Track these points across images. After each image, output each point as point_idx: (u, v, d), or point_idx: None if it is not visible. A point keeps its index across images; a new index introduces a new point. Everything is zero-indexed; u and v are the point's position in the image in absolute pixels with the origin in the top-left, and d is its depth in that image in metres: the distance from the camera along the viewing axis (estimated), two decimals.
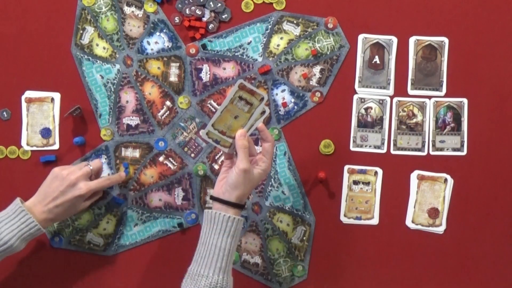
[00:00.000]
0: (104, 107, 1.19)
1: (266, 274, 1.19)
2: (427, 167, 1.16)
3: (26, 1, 1.19)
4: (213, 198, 1.02)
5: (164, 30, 1.18)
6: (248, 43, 1.17)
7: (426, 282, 1.17)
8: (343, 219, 1.17)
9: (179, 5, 1.17)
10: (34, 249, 1.20)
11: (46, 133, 1.19)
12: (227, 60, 1.17)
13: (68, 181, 1.06)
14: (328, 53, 1.16)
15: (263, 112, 1.03)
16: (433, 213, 1.16)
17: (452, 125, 1.16)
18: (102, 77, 1.19)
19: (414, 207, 1.16)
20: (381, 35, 1.15)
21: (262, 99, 1.01)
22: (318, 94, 1.16)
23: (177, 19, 1.17)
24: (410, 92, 1.16)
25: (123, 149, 1.19)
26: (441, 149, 1.16)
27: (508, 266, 1.16)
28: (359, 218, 1.17)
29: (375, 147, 1.16)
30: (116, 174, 1.16)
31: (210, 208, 1.02)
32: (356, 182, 1.17)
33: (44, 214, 1.06)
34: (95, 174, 1.13)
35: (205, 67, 1.18)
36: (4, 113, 1.20)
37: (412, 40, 1.15)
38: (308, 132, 1.17)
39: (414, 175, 1.16)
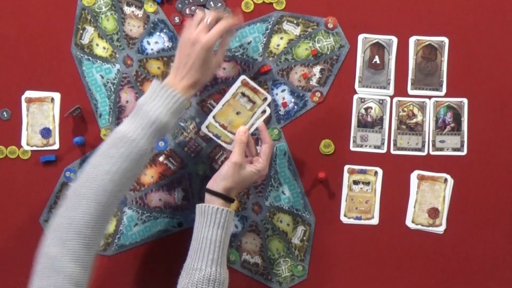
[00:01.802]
0: (104, 107, 1.19)
1: (266, 274, 1.19)
2: (427, 167, 1.16)
3: (26, 1, 1.19)
4: (205, 189, 1.04)
5: (164, 30, 1.18)
6: (248, 43, 1.17)
7: (426, 282, 1.17)
8: (343, 219, 1.17)
9: (179, 5, 1.17)
10: (34, 249, 1.20)
11: (46, 133, 1.19)
12: (227, 60, 1.17)
13: (190, 40, 1.02)
14: (328, 53, 1.16)
15: (264, 112, 1.03)
16: (433, 213, 1.16)
17: (452, 125, 1.16)
18: (102, 77, 1.19)
19: (414, 207, 1.16)
20: (381, 35, 1.15)
21: (265, 99, 1.02)
22: (318, 94, 1.16)
23: (177, 19, 1.17)
24: (410, 92, 1.16)
25: None
26: (441, 149, 1.16)
27: (508, 266, 1.16)
28: (359, 218, 1.17)
29: (375, 147, 1.16)
30: (237, 17, 1.08)
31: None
32: (356, 182, 1.17)
33: (183, 82, 1.01)
34: (214, 24, 1.05)
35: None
36: (4, 113, 1.20)
37: (412, 40, 1.15)
38: (308, 132, 1.17)
39: (414, 175, 1.16)
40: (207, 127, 1.05)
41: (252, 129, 1.04)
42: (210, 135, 1.06)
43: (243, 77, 1.03)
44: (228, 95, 1.03)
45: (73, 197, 0.94)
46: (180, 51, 1.03)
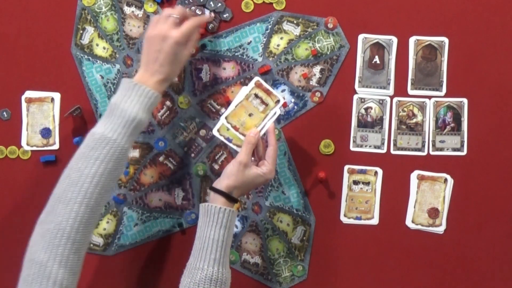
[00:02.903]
0: (104, 107, 1.19)
1: (266, 274, 1.19)
2: (427, 167, 1.16)
3: (26, 1, 1.19)
4: (210, 187, 1.04)
5: None
6: (248, 43, 1.17)
7: (426, 282, 1.17)
8: (343, 219, 1.17)
9: (179, 5, 1.17)
10: None
11: (46, 133, 1.19)
12: (227, 60, 1.17)
13: (159, 36, 1.02)
14: (328, 53, 1.16)
15: (275, 113, 1.04)
16: (433, 213, 1.16)
17: (452, 125, 1.16)
18: (102, 77, 1.19)
19: (414, 207, 1.16)
20: (381, 35, 1.15)
21: (278, 101, 1.03)
22: (318, 94, 1.16)
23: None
24: (410, 92, 1.16)
25: None
26: (441, 149, 1.16)
27: (508, 266, 1.16)
28: (359, 218, 1.17)
29: (375, 147, 1.16)
30: (206, 15, 1.11)
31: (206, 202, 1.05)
32: (356, 182, 1.17)
33: (154, 78, 1.02)
34: (182, 20, 1.06)
35: (205, 67, 1.18)
36: (4, 113, 1.20)
37: (412, 40, 1.15)
38: (308, 132, 1.17)
39: (414, 175, 1.16)
40: (218, 130, 1.06)
41: (263, 132, 1.05)
42: (222, 138, 1.06)
43: (257, 78, 1.04)
44: (241, 96, 1.04)
45: (57, 202, 0.93)
46: (148, 47, 1.04)
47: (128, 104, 0.99)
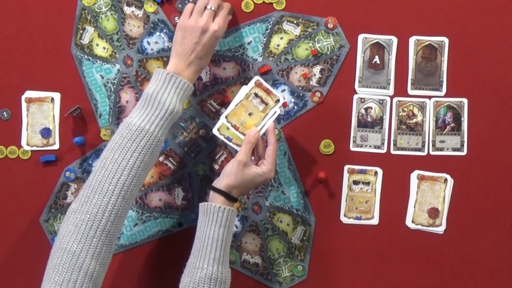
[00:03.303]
0: (104, 107, 1.19)
1: (266, 274, 1.19)
2: (427, 167, 1.16)
3: (26, 1, 1.19)
4: (209, 187, 1.04)
5: (164, 30, 1.18)
6: (248, 43, 1.17)
7: (426, 282, 1.16)
8: (343, 219, 1.17)
9: (179, 5, 1.17)
10: (34, 249, 1.20)
11: (46, 133, 1.19)
12: (227, 60, 1.17)
13: (199, 28, 1.03)
14: (328, 53, 1.16)
15: (274, 113, 1.04)
16: (433, 213, 1.16)
17: (452, 125, 1.16)
18: (102, 77, 1.19)
19: (414, 207, 1.16)
20: (381, 35, 1.15)
21: (278, 100, 1.03)
22: (318, 94, 1.16)
23: (177, 19, 1.17)
24: (410, 92, 1.16)
25: None
26: (441, 149, 1.16)
27: (508, 266, 1.16)
28: (359, 218, 1.17)
29: (375, 147, 1.16)
30: (227, 3, 1.11)
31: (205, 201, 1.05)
32: (356, 182, 1.17)
33: (189, 69, 1.04)
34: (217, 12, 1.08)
35: (205, 67, 1.18)
36: (4, 113, 1.20)
37: (412, 40, 1.15)
38: (308, 132, 1.17)
39: (414, 175, 1.16)
40: (218, 129, 1.06)
41: (262, 131, 1.05)
42: (222, 137, 1.06)
43: (257, 77, 1.04)
44: (241, 96, 1.04)
45: (93, 193, 0.94)
46: (184, 37, 1.05)
47: (165, 96, 1.00)
